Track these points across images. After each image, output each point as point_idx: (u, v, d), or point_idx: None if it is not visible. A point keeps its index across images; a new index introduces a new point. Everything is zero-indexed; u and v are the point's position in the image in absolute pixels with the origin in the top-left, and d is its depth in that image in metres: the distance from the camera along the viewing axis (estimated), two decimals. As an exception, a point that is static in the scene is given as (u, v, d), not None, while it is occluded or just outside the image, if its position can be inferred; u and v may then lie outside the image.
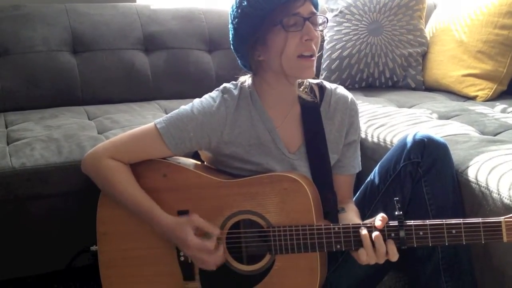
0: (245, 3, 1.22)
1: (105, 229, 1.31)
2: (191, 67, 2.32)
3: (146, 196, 1.26)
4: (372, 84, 2.46)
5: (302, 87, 1.36)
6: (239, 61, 1.34)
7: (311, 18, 1.21)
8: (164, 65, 2.28)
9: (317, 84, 1.41)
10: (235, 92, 1.32)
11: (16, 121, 1.86)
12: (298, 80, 1.35)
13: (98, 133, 1.76)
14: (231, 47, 1.32)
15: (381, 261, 1.16)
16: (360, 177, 1.55)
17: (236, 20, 1.25)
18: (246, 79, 1.35)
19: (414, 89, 2.43)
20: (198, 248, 1.20)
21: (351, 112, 1.39)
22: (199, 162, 1.40)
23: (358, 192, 1.47)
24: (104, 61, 2.19)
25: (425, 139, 1.32)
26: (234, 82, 1.36)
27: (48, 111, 1.99)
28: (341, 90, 1.41)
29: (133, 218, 1.28)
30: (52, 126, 1.76)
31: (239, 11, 1.24)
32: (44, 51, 2.11)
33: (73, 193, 1.53)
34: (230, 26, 1.28)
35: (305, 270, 1.22)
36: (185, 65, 2.31)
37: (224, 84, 1.35)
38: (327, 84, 1.41)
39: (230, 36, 1.30)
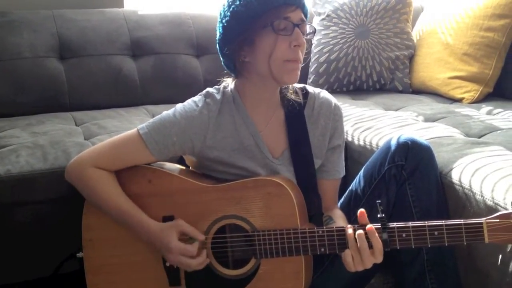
0: (238, 2, 1.22)
1: (90, 236, 1.30)
2: (179, 72, 2.32)
3: (131, 203, 1.26)
4: (359, 87, 2.47)
5: (289, 90, 1.36)
6: (222, 61, 1.32)
7: (300, 25, 1.22)
8: (151, 70, 2.28)
9: (301, 88, 1.41)
10: (218, 96, 1.32)
11: (3, 128, 1.85)
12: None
13: (85, 139, 1.75)
14: (217, 46, 1.31)
15: (368, 264, 1.16)
16: (346, 180, 1.56)
17: (227, 18, 1.24)
18: (228, 83, 1.35)
19: (402, 91, 2.45)
20: (180, 252, 1.20)
21: (335, 117, 1.40)
22: (184, 167, 1.40)
23: (344, 196, 1.47)
24: (91, 67, 2.18)
25: (409, 142, 1.33)
26: (216, 86, 1.36)
27: (35, 117, 1.98)
28: (325, 94, 1.42)
29: (119, 223, 1.27)
30: (39, 133, 1.76)
31: (230, 9, 1.23)
32: (31, 57, 2.10)
33: (58, 199, 1.52)
34: (219, 25, 1.28)
35: (290, 274, 1.22)
36: (173, 70, 2.31)
37: (207, 89, 1.35)
38: (311, 89, 1.41)
39: (218, 34, 1.29)
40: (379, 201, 1.15)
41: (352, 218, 1.37)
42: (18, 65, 2.08)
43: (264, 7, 1.19)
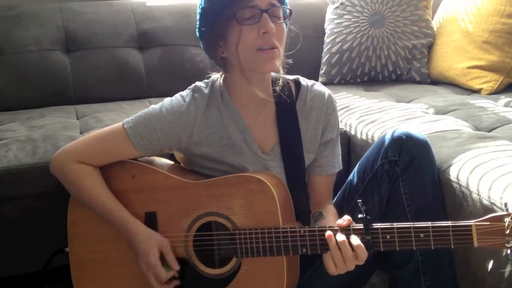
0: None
1: (75, 231, 1.29)
2: (186, 64, 2.27)
3: (115, 201, 1.24)
4: (374, 78, 2.37)
5: (278, 86, 1.30)
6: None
7: (270, 10, 1.15)
8: (158, 62, 2.25)
9: (294, 80, 1.35)
10: (206, 90, 1.28)
11: (4, 121, 1.85)
12: (272, 78, 1.30)
13: (80, 132, 1.74)
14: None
15: (351, 266, 1.10)
16: (348, 176, 1.49)
17: (198, 17, 1.23)
18: (217, 77, 1.31)
19: (419, 82, 2.34)
20: (155, 271, 1.18)
21: (328, 110, 1.33)
22: (171, 163, 1.37)
23: (339, 192, 1.41)
24: (97, 60, 2.17)
25: (404, 136, 1.25)
26: (206, 80, 1.33)
27: (37, 111, 1.98)
28: (318, 86, 1.35)
29: (103, 220, 1.25)
30: (36, 126, 1.75)
31: (200, 9, 1.22)
32: (36, 50, 2.10)
33: (46, 194, 1.51)
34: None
35: (272, 274, 1.17)
36: (180, 62, 2.27)
37: (196, 83, 1.32)
38: (303, 81, 1.35)
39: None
40: (360, 200, 1.09)
41: (345, 215, 1.30)
42: (23, 59, 2.08)
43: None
